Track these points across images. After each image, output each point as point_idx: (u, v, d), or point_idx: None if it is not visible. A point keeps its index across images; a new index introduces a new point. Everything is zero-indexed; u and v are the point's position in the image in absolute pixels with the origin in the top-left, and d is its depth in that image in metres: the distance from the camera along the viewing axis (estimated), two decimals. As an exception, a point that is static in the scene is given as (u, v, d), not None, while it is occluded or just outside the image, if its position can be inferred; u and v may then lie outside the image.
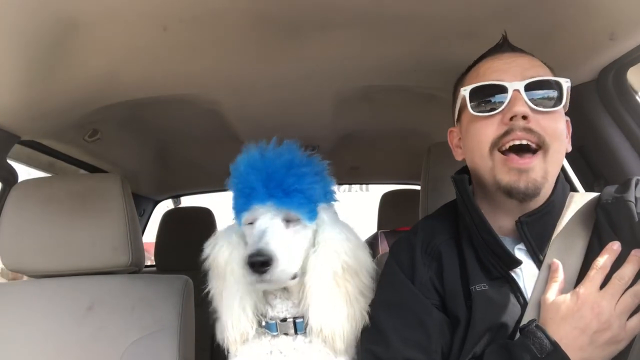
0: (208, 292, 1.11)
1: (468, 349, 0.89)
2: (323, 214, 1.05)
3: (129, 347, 1.28)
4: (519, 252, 0.95)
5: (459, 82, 1.08)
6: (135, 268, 1.42)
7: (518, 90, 0.90)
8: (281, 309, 1.04)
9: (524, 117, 0.89)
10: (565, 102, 0.93)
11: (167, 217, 2.71)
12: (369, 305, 1.02)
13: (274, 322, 1.03)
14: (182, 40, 1.19)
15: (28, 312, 1.33)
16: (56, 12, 1.01)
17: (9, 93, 1.25)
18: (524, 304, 0.90)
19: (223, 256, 1.04)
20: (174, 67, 1.35)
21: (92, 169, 2.11)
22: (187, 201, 3.48)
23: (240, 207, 1.01)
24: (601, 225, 0.90)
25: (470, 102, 0.94)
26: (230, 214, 1.08)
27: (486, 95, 0.93)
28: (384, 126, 2.14)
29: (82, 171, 2.08)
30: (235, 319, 1.01)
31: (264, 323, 1.03)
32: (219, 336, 1.06)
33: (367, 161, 2.66)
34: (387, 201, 2.80)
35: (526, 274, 0.93)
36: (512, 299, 0.91)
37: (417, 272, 0.99)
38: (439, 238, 1.02)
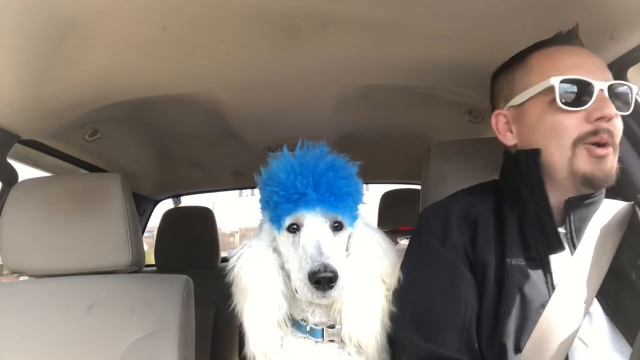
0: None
1: (505, 324, 0.89)
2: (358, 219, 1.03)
3: (129, 347, 1.28)
4: None
5: (515, 66, 1.05)
6: (135, 268, 1.42)
7: (603, 90, 0.93)
8: (320, 314, 1.01)
9: (609, 119, 0.93)
10: (632, 108, 0.97)
11: (167, 217, 2.71)
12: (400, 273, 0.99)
13: (319, 328, 1.00)
14: (182, 40, 1.19)
15: (28, 312, 1.33)
16: (56, 12, 1.00)
17: (9, 93, 1.25)
18: (552, 288, 0.91)
19: (247, 269, 0.99)
20: (174, 67, 1.35)
21: (92, 169, 2.11)
22: (187, 201, 3.47)
23: (282, 212, 0.95)
24: (636, 220, 0.93)
25: (559, 93, 0.94)
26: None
27: (574, 90, 0.94)
28: (384, 126, 2.14)
29: (82, 171, 2.08)
30: (260, 335, 0.97)
31: (308, 328, 1.00)
32: (247, 349, 1.01)
33: (367, 161, 2.65)
34: (387, 201, 2.80)
35: (559, 259, 0.94)
36: (542, 281, 0.92)
37: (450, 235, 1.00)
38: (478, 208, 1.03)
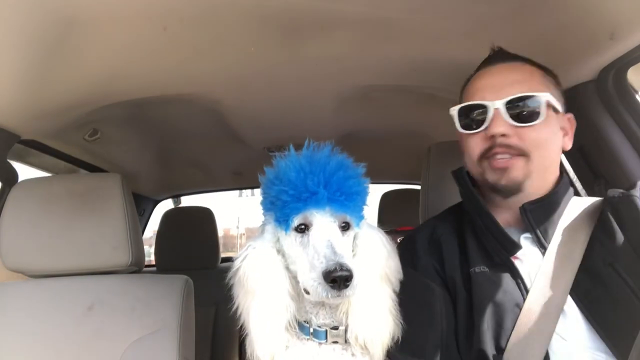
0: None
1: (480, 331, 0.93)
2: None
3: (129, 347, 1.28)
4: (525, 241, 1.01)
5: (461, 92, 1.14)
6: (135, 268, 1.42)
7: (498, 109, 0.99)
8: (325, 315, 0.99)
9: (503, 135, 0.99)
10: (546, 116, 1.00)
11: (167, 217, 2.71)
12: None
13: (323, 329, 0.99)
14: (182, 40, 1.19)
15: (28, 312, 1.33)
16: (56, 12, 1.01)
17: (9, 93, 1.25)
18: (525, 290, 0.95)
19: (253, 270, 0.97)
20: (174, 67, 1.35)
21: (92, 169, 2.11)
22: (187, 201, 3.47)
23: (291, 212, 0.93)
24: (606, 218, 0.96)
25: (459, 119, 1.06)
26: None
27: (471, 114, 1.04)
28: (384, 126, 2.14)
29: (82, 171, 2.08)
30: (266, 336, 0.95)
31: (312, 330, 0.99)
32: (248, 350, 0.99)
33: (367, 161, 2.65)
34: (387, 201, 2.80)
35: (530, 262, 0.98)
36: (513, 284, 0.96)
37: (420, 260, 1.07)
38: (441, 230, 1.12)
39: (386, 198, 2.81)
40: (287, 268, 0.99)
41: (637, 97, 1.29)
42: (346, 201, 0.93)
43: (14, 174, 1.53)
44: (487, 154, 1.02)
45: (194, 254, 2.57)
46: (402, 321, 0.96)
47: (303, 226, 0.93)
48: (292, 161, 0.94)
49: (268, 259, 0.98)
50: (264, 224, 1.03)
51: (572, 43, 1.19)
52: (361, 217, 0.99)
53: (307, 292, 0.92)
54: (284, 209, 0.93)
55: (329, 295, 0.87)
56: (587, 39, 1.15)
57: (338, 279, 0.84)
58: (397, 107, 1.89)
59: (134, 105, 1.60)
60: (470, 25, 1.16)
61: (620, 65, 1.23)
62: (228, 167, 2.67)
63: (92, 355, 1.28)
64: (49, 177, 1.87)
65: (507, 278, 0.97)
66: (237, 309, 1.00)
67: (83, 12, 1.02)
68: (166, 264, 2.61)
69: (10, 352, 1.29)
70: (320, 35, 1.20)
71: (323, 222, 0.92)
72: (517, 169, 1.00)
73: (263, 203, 1.01)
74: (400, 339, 0.96)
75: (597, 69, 1.26)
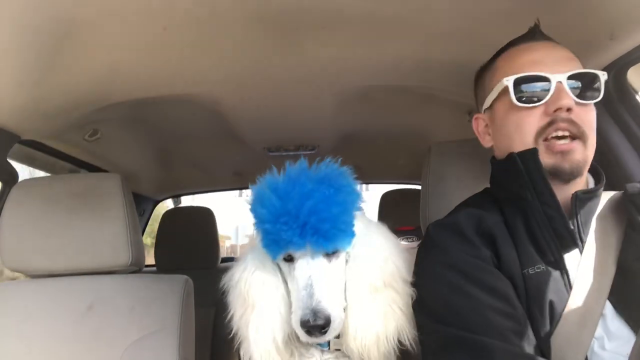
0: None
1: (539, 333, 0.86)
2: (357, 224, 0.98)
3: (129, 347, 1.28)
4: None
5: (487, 69, 1.08)
6: (135, 268, 1.42)
7: (561, 82, 0.92)
8: None
9: (568, 110, 0.91)
10: (602, 94, 0.95)
11: (167, 217, 2.71)
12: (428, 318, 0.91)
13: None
14: (182, 40, 1.19)
15: (28, 312, 1.33)
16: (56, 12, 1.01)
17: (9, 93, 1.25)
18: (569, 288, 0.89)
19: (256, 283, 0.98)
20: (174, 67, 1.35)
21: (92, 169, 2.11)
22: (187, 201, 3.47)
23: (273, 252, 0.94)
24: (633, 216, 0.91)
25: (514, 91, 0.95)
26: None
27: (530, 86, 0.95)
28: (384, 126, 2.14)
29: (82, 171, 2.08)
30: (265, 348, 0.96)
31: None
32: (242, 356, 1.01)
33: (367, 161, 2.66)
34: (387, 201, 2.79)
35: (571, 257, 0.93)
36: (562, 283, 0.90)
37: (479, 249, 0.93)
38: (489, 220, 0.98)
39: (386, 198, 2.81)
40: (286, 281, 0.99)
41: (637, 97, 1.29)
42: (325, 242, 0.90)
43: (14, 174, 1.53)
44: (545, 132, 0.93)
45: (194, 254, 2.56)
46: (467, 314, 0.85)
47: (289, 256, 0.95)
48: (267, 205, 0.91)
49: (267, 273, 0.99)
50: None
51: (572, 43, 1.18)
52: (350, 238, 0.96)
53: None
54: (267, 246, 0.94)
55: (308, 340, 0.90)
56: (587, 39, 1.15)
57: (311, 329, 0.87)
58: (397, 107, 1.89)
59: (134, 106, 1.59)
60: (470, 25, 1.16)
61: (620, 66, 1.23)
62: (228, 167, 2.67)
63: (92, 355, 1.28)
64: (49, 177, 1.86)
65: (557, 276, 0.90)
66: (232, 316, 1.00)
67: (83, 12, 1.02)
68: (166, 264, 2.61)
69: (10, 352, 1.29)
70: (320, 35, 1.20)
71: (305, 259, 0.92)
72: (578, 152, 0.93)
73: (254, 219, 0.97)
74: (461, 338, 0.84)
75: (597, 69, 1.26)
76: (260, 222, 0.93)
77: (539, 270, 0.90)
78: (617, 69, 1.24)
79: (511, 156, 0.97)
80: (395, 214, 2.64)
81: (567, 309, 0.87)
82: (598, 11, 1.06)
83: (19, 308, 1.34)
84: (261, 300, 0.97)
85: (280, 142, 2.15)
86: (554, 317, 0.87)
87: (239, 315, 0.99)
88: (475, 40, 1.09)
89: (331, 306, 0.89)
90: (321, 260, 0.93)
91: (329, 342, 1.00)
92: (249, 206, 0.97)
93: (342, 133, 2.15)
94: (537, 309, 0.88)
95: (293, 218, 0.88)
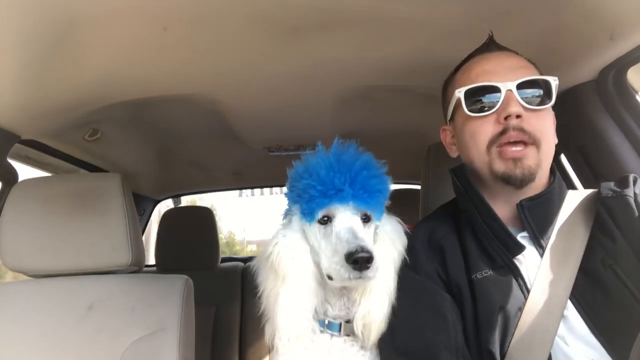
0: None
1: (488, 335, 0.90)
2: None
3: (129, 346, 1.28)
4: (522, 240, 0.98)
5: (449, 82, 1.13)
6: (135, 268, 1.42)
7: (511, 90, 0.96)
8: (340, 307, 1.04)
9: (518, 116, 0.95)
10: (554, 100, 0.98)
11: (167, 216, 2.71)
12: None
13: (337, 322, 1.03)
14: (182, 40, 1.19)
15: (28, 312, 1.33)
16: (56, 12, 1.01)
17: (9, 93, 1.25)
18: (526, 291, 0.92)
19: (286, 255, 1.02)
20: (174, 67, 1.35)
21: (92, 169, 2.11)
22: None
23: (316, 206, 0.98)
24: (603, 218, 0.94)
25: (466, 103, 1.00)
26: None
27: (480, 96, 0.99)
28: (384, 126, 2.14)
29: (82, 171, 2.08)
30: (293, 320, 0.99)
31: (327, 322, 1.03)
32: (267, 334, 1.03)
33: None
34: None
35: (528, 262, 0.96)
36: (515, 285, 0.93)
37: (421, 266, 1.02)
38: (439, 232, 1.06)
39: (386, 198, 2.81)
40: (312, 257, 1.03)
41: (637, 97, 1.29)
42: (368, 198, 0.97)
43: (14, 174, 1.53)
44: (498, 140, 0.97)
45: (194, 254, 2.56)
46: (410, 330, 0.97)
47: (326, 218, 0.99)
48: (322, 158, 0.99)
49: (299, 246, 1.03)
50: (288, 214, 1.08)
51: (572, 43, 1.19)
52: (382, 212, 1.04)
53: (330, 278, 0.96)
54: (311, 202, 0.98)
55: (351, 277, 0.90)
56: (587, 39, 1.15)
57: (359, 259, 0.88)
58: (397, 107, 1.89)
59: (134, 106, 1.60)
60: (470, 25, 1.16)
61: (620, 66, 1.23)
62: (228, 167, 2.67)
63: (92, 355, 1.28)
64: (49, 177, 1.86)
65: (509, 280, 0.94)
66: (261, 293, 1.02)
67: (83, 12, 1.02)
68: (166, 264, 2.61)
69: (11, 352, 1.29)
70: (320, 35, 1.20)
71: (346, 214, 0.97)
72: (530, 157, 0.96)
73: (289, 195, 1.06)
74: (405, 349, 0.95)
75: (597, 69, 1.27)
76: (310, 178, 0.98)
77: (486, 274, 0.95)
78: (617, 69, 1.25)
79: (450, 172, 1.06)
80: (395, 214, 2.64)
81: (525, 312, 0.90)
82: (598, 11, 1.06)
83: (19, 308, 1.34)
84: (292, 271, 1.00)
85: (280, 141, 2.15)
86: (507, 317, 0.90)
87: (269, 289, 1.01)
88: (475, 40, 1.09)
89: (372, 247, 0.92)
90: (359, 221, 0.98)
91: (340, 326, 1.02)
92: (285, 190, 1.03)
93: (342, 133, 2.13)
94: (485, 311, 0.92)
95: (347, 167, 0.96)
